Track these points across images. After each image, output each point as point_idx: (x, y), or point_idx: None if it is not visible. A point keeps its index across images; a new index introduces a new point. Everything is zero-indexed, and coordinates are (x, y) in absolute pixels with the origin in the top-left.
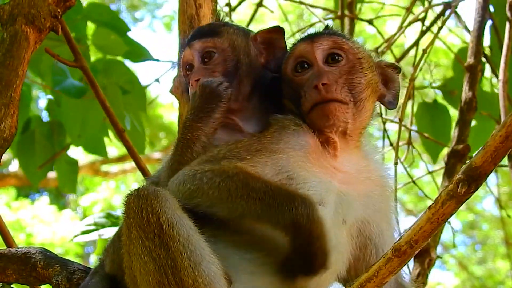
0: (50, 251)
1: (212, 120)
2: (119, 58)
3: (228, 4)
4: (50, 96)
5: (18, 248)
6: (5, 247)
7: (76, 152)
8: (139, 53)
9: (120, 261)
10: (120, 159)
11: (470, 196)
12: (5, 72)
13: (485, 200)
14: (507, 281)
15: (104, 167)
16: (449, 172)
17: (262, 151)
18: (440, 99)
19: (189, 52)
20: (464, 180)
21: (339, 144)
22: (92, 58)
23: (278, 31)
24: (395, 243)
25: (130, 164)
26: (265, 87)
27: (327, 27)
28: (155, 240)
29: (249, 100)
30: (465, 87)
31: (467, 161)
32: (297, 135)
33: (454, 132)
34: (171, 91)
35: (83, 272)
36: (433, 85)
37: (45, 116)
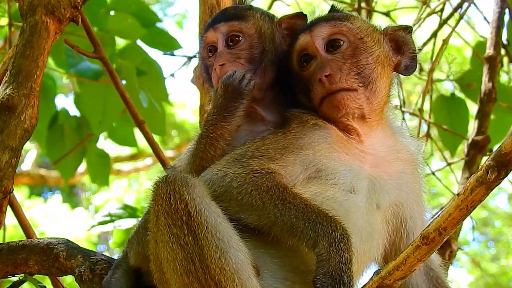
0: (72, 242)
1: (235, 118)
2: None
3: None
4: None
5: (40, 239)
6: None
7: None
8: (168, 43)
9: (145, 253)
10: (132, 157)
11: (500, 182)
12: (25, 62)
13: (497, 196)
14: None
15: (117, 165)
16: (469, 163)
17: (289, 148)
18: (458, 92)
19: (213, 34)
20: (493, 166)
21: (361, 129)
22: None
23: (302, 16)
24: (423, 230)
25: (142, 163)
26: (285, 76)
27: (332, 8)
28: (182, 227)
29: (271, 89)
30: (485, 78)
31: (487, 152)
32: (318, 128)
33: (474, 123)
34: (192, 81)
35: (106, 263)
36: (451, 78)
37: (73, 111)
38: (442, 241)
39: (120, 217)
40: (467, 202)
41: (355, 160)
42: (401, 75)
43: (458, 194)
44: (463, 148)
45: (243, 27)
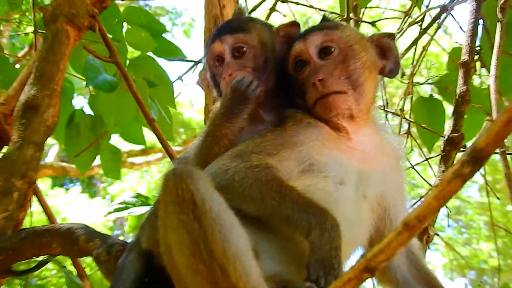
0: (90, 227)
1: (240, 120)
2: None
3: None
4: (92, 92)
5: (62, 224)
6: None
7: (116, 144)
8: (173, 52)
9: (155, 237)
10: (144, 151)
11: (473, 175)
12: (48, 66)
13: (470, 188)
14: (490, 260)
15: (130, 159)
16: (445, 158)
17: (285, 145)
18: (435, 94)
19: (220, 45)
20: (468, 161)
21: (349, 127)
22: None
23: (296, 25)
24: (405, 218)
25: (153, 157)
26: (283, 79)
27: (323, 18)
28: (189, 214)
29: (272, 94)
30: (460, 81)
31: (462, 148)
32: (311, 126)
33: (450, 122)
34: (198, 83)
35: (120, 246)
36: (429, 81)
37: (88, 110)
38: (422, 227)
39: (133, 204)
40: (444, 193)
41: (344, 155)
42: (385, 78)
43: (436, 186)
44: (439, 144)
45: (247, 39)
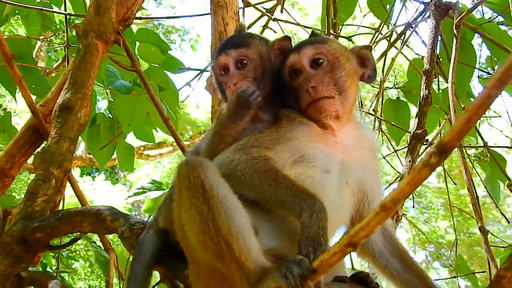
0: (115, 209)
1: (243, 123)
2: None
3: None
4: (111, 99)
5: (92, 206)
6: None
7: (132, 141)
8: (176, 65)
9: (171, 217)
10: (158, 145)
11: (439, 165)
12: (80, 74)
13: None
14: (446, 236)
15: (146, 152)
16: (411, 150)
17: (280, 140)
18: (402, 97)
19: (225, 57)
20: (436, 153)
21: (335, 126)
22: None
23: (288, 39)
24: (382, 200)
25: (165, 149)
26: (277, 86)
27: (312, 34)
28: (199, 198)
29: (269, 97)
30: (423, 86)
31: (424, 142)
32: (302, 124)
33: (414, 120)
34: (206, 88)
35: (141, 224)
36: (396, 86)
37: (107, 114)
38: (396, 209)
39: (149, 189)
40: (415, 180)
41: (330, 148)
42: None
43: (408, 173)
44: (406, 139)
45: (248, 53)
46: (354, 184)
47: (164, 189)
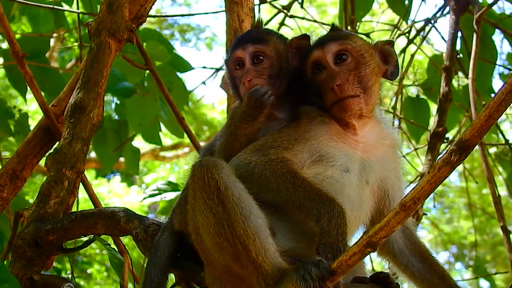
0: (130, 210)
1: (256, 123)
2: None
3: None
4: (117, 101)
5: (106, 207)
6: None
7: (141, 143)
8: (184, 65)
9: (185, 219)
10: (174, 146)
11: (460, 163)
12: (93, 73)
13: (451, 174)
14: (468, 236)
15: (162, 153)
16: (431, 148)
17: (298, 140)
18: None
19: (241, 52)
20: (456, 150)
21: (357, 124)
22: None
23: (307, 37)
24: (401, 199)
25: (182, 151)
26: (294, 84)
27: (333, 27)
28: (214, 199)
29: (283, 95)
30: (443, 83)
31: (445, 140)
32: (322, 123)
33: (434, 118)
34: (221, 86)
35: (156, 226)
36: (416, 83)
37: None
38: (416, 208)
39: (165, 191)
40: (436, 178)
41: (350, 147)
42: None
43: (428, 172)
44: (425, 137)
45: (265, 49)
46: (375, 182)
47: (180, 190)
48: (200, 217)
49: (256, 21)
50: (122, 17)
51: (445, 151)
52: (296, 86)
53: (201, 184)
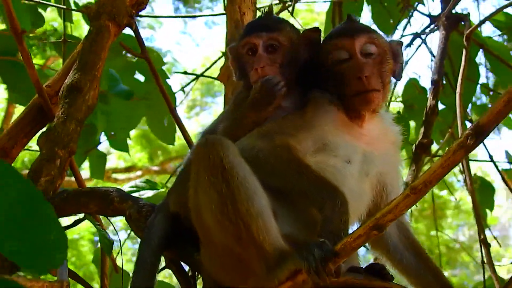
0: (123, 190)
1: (265, 112)
2: None
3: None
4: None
5: (99, 187)
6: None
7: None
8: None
9: (181, 201)
10: (127, 169)
11: (476, 147)
12: (91, 56)
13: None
14: None
15: (114, 175)
16: (415, 159)
17: (304, 126)
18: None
19: (256, 38)
20: (472, 134)
21: (367, 117)
22: None
23: (319, 31)
24: (412, 182)
25: (134, 174)
26: (302, 74)
27: (349, 18)
28: (218, 177)
29: (291, 85)
30: (430, 96)
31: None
32: (329, 112)
33: (421, 130)
34: (218, 78)
35: (149, 207)
36: (397, 100)
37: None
38: (427, 191)
39: (143, 188)
40: (449, 162)
41: (354, 139)
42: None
43: (442, 156)
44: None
45: (280, 38)
46: (375, 176)
47: (158, 189)
48: (203, 196)
49: (268, 8)
50: (123, 2)
51: (460, 135)
52: (303, 77)
53: (206, 162)
